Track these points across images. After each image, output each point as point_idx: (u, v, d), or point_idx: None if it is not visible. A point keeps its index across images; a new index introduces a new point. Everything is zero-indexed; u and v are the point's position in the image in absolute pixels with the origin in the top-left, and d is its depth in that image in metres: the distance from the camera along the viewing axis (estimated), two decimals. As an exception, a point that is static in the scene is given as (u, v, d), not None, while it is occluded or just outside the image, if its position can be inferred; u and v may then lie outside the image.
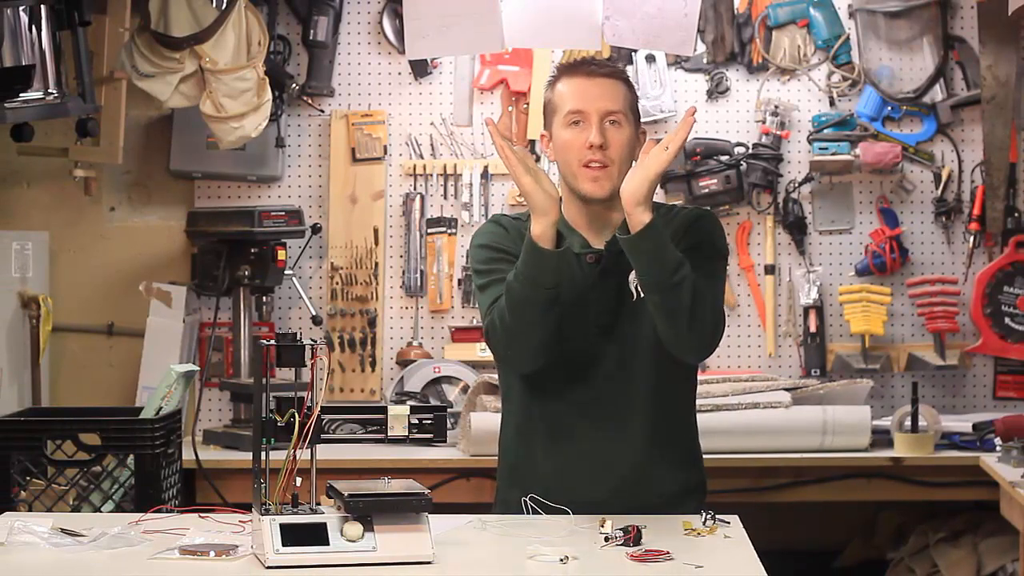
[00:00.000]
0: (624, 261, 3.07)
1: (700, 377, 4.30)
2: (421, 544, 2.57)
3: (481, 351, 4.68)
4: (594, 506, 2.92)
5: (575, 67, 3.16)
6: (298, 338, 2.63)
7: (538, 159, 4.75)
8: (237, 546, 2.64)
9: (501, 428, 3.26)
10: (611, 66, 3.18)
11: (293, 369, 2.63)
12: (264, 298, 4.64)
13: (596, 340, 3.11)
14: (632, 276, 3.09)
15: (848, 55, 4.73)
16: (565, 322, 3.08)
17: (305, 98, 4.77)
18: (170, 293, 4.71)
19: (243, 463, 3.97)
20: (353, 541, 2.55)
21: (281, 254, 4.56)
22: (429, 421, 2.67)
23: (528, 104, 4.75)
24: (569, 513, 2.87)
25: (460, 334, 4.78)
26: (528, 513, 2.98)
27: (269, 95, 4.46)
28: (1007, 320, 4.69)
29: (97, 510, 3.21)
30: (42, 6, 3.92)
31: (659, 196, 4.68)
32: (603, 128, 3.08)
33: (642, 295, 3.06)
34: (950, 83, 4.74)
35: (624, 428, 3.11)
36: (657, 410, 3.12)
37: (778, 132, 4.72)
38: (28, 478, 3.24)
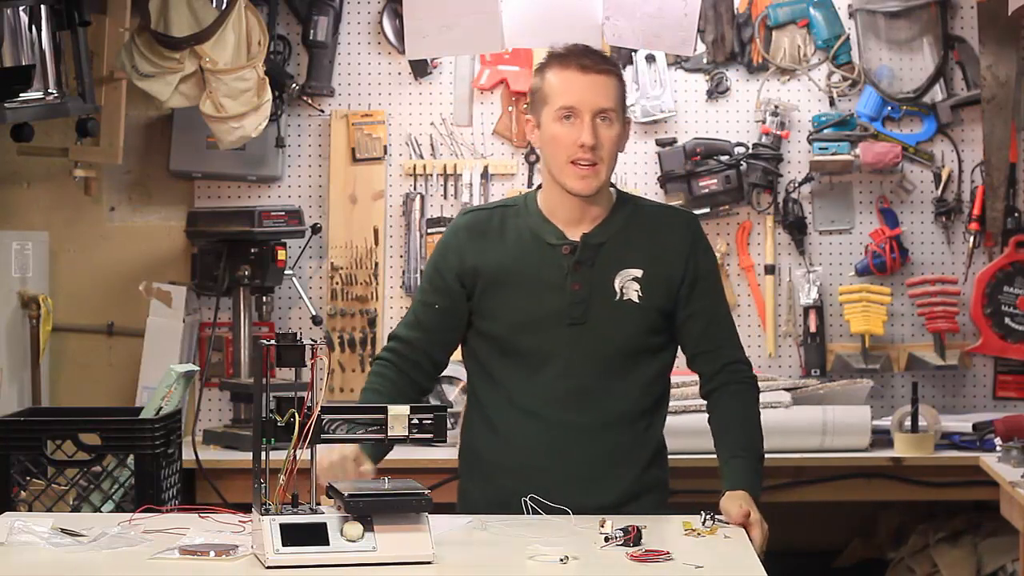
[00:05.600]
0: (600, 254, 3.12)
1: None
2: (421, 544, 2.57)
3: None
4: (552, 498, 2.95)
5: (568, 58, 3.13)
6: (298, 338, 2.63)
7: (538, 158, 4.77)
8: (237, 546, 2.64)
9: (464, 417, 3.27)
10: (604, 60, 3.16)
11: (293, 369, 2.64)
12: (264, 298, 4.64)
13: (567, 332, 3.12)
14: (620, 274, 3.12)
15: (848, 55, 4.73)
16: (539, 311, 3.11)
17: (305, 98, 4.77)
18: (170, 293, 4.71)
19: (243, 463, 3.97)
20: (353, 541, 2.55)
21: (281, 254, 4.56)
22: (429, 421, 2.67)
23: (528, 104, 4.75)
24: (569, 513, 2.87)
25: (460, 334, 4.78)
26: (528, 513, 2.99)
27: (269, 95, 4.46)
28: (1007, 320, 4.69)
29: (97, 510, 3.21)
30: (42, 6, 3.92)
31: (660, 196, 4.69)
32: (595, 126, 3.08)
33: (626, 297, 3.11)
34: (950, 83, 4.74)
35: (587, 422, 3.12)
36: (622, 407, 3.14)
37: (778, 132, 4.72)
38: (28, 478, 3.24)
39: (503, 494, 3.09)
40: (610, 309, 3.11)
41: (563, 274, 3.12)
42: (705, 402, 3.21)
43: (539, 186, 3.25)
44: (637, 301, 3.13)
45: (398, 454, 4.10)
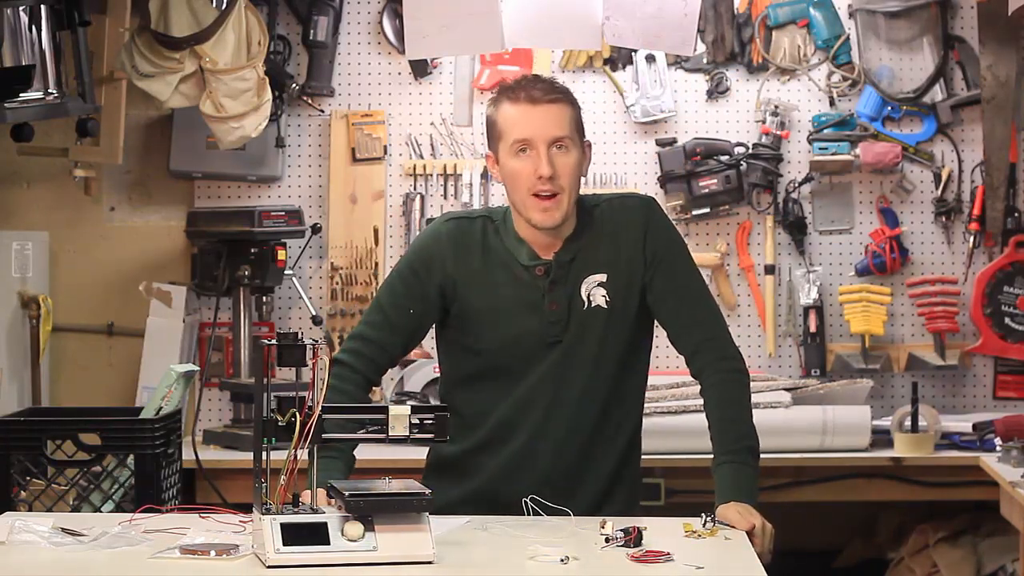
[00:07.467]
0: (572, 271, 3.11)
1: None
2: (421, 544, 2.57)
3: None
4: (517, 507, 2.98)
5: (516, 90, 3.10)
6: (299, 338, 2.63)
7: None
8: (237, 546, 2.64)
9: None
10: (554, 89, 3.12)
11: (294, 369, 2.64)
12: (264, 298, 4.64)
13: (546, 351, 3.12)
14: (586, 282, 3.11)
15: (848, 55, 4.73)
16: (517, 333, 3.11)
17: (305, 98, 4.77)
18: (170, 293, 4.71)
19: (243, 463, 3.97)
20: (354, 541, 2.55)
21: (281, 254, 4.56)
22: (430, 421, 2.67)
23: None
24: (570, 515, 2.87)
25: (460, 334, 4.77)
26: (529, 514, 2.99)
27: (269, 95, 4.46)
28: (1007, 320, 4.69)
29: (97, 510, 3.21)
30: (42, 6, 3.91)
31: (660, 196, 4.69)
32: (551, 156, 3.05)
33: (594, 304, 3.10)
34: (950, 83, 4.74)
35: (562, 432, 3.12)
36: (597, 418, 3.14)
37: (778, 132, 4.72)
38: (28, 478, 3.24)
39: (469, 495, 3.12)
40: (583, 321, 3.11)
41: (539, 295, 3.12)
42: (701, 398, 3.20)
43: None
44: (605, 306, 3.12)
45: (398, 454, 4.12)
